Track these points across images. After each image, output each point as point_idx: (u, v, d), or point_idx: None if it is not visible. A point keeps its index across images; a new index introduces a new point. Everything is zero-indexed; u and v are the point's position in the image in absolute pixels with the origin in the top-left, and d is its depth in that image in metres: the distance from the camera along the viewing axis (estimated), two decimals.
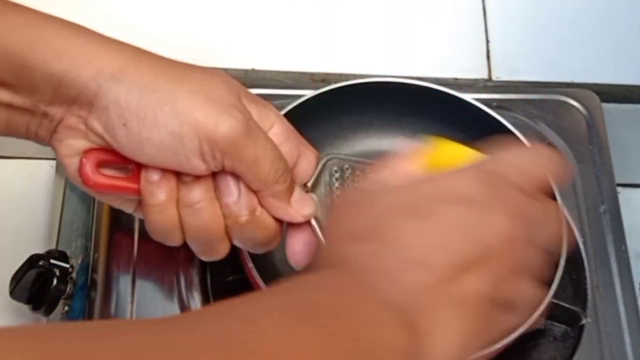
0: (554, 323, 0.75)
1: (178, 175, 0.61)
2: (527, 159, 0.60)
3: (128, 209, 0.65)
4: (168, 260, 0.76)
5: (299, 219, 0.64)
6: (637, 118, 0.94)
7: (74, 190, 0.87)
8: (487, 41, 0.93)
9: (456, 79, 0.90)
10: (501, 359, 0.69)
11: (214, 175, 0.61)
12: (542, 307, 0.69)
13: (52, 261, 0.77)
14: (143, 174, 0.61)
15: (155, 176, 0.61)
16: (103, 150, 0.60)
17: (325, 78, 0.90)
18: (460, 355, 0.53)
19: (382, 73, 0.83)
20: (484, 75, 0.91)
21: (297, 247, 0.65)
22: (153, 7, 0.93)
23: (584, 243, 0.80)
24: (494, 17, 0.95)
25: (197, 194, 0.61)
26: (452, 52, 0.93)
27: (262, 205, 0.63)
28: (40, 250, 0.79)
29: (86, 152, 0.60)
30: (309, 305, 0.49)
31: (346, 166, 0.69)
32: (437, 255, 0.53)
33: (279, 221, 0.64)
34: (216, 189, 0.62)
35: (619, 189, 0.85)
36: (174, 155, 0.59)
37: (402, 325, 0.51)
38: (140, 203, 0.63)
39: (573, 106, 0.88)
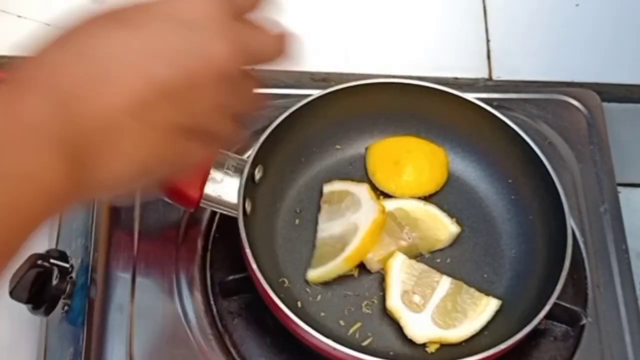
0: (554, 323, 0.75)
1: None
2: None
3: None
4: (168, 260, 0.76)
5: None
6: (637, 118, 0.94)
7: None
8: (488, 40, 0.93)
9: (456, 79, 0.90)
10: (501, 359, 0.69)
11: None
12: (546, 308, 0.69)
13: (52, 261, 0.77)
14: None
15: None
16: None
17: (326, 77, 0.90)
18: (133, 179, 0.52)
19: (382, 73, 0.83)
20: (484, 74, 0.91)
21: None
22: None
23: (585, 243, 0.80)
24: (494, 17, 0.95)
25: None
26: (452, 51, 0.93)
27: None
28: (40, 250, 0.79)
29: None
30: None
31: None
32: (135, 74, 0.50)
33: None
34: None
35: (619, 188, 0.85)
36: None
37: (62, 160, 0.48)
38: None
39: (574, 106, 0.88)
